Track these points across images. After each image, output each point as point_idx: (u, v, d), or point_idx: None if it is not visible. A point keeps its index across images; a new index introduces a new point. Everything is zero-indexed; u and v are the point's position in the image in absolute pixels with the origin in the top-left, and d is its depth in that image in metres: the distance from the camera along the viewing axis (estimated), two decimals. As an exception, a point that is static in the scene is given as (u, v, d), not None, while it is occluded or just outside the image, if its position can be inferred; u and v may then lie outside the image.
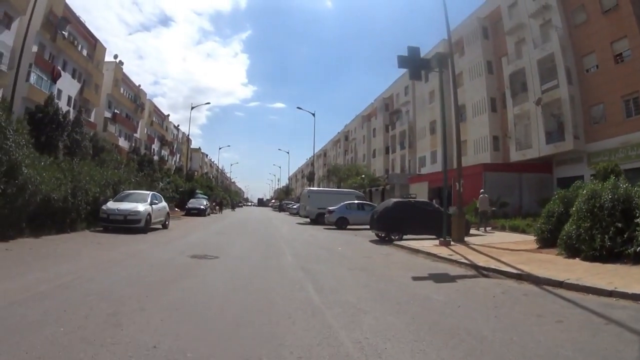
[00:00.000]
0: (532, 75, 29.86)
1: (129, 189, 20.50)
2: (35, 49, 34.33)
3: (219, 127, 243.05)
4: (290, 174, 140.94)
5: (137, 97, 61.72)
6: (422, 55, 16.49)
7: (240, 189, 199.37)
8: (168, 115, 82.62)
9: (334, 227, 25.38)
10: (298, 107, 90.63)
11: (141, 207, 16.87)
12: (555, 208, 12.35)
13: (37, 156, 14.65)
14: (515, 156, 31.53)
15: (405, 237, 16.58)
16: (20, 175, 11.76)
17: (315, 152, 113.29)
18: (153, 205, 17.96)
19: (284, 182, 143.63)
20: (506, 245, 13.68)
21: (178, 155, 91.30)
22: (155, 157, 68.54)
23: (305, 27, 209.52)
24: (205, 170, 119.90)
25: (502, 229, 21.28)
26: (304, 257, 10.95)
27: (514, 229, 20.37)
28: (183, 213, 37.00)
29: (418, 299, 6.28)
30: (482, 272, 9.15)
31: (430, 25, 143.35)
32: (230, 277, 7.88)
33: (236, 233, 19.71)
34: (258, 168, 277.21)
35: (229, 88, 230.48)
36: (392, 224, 16.63)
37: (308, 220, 32.17)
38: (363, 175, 54.03)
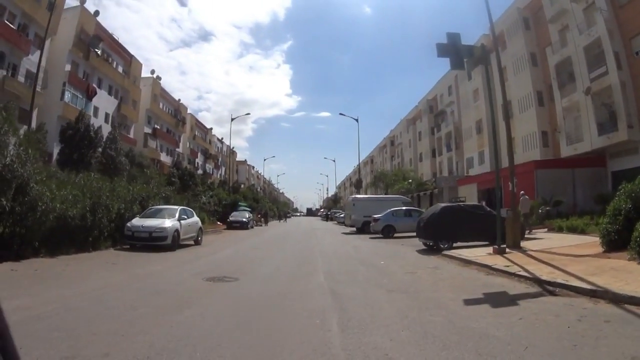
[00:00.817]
0: (579, 63, 27.93)
1: (159, 204, 19.85)
2: (68, 67, 35.09)
3: (265, 139, 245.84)
4: (338, 182, 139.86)
5: (177, 111, 62.33)
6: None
7: (289, 199, 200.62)
8: (211, 128, 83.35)
9: (381, 235, 23.98)
10: (340, 114, 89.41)
11: (168, 223, 15.93)
12: (622, 205, 10.29)
13: (53, 172, 13.91)
14: (566, 151, 29.67)
15: (455, 244, 14.88)
16: (29, 193, 11.05)
17: (362, 159, 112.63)
18: (182, 221, 16.93)
19: (333, 190, 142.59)
20: (568, 250, 11.92)
21: (223, 169, 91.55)
22: (200, 171, 69.07)
23: (345, 35, 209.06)
24: (252, 182, 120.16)
25: (559, 230, 19.06)
26: (338, 277, 9.42)
27: (572, 230, 18.22)
28: (225, 227, 36.22)
29: (472, 337, 4.61)
30: (548, 288, 7.45)
31: (469, 21, 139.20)
32: (240, 307, 6.50)
33: (272, 247, 18.55)
34: (306, 178, 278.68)
35: (273, 99, 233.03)
36: (440, 232, 14.95)
37: (354, 229, 30.85)
38: (410, 180, 52.03)
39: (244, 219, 36.95)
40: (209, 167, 78.74)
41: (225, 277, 9.24)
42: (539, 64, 33.67)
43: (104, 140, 29.86)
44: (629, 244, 9.07)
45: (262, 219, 48.12)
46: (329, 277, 9.35)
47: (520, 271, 8.98)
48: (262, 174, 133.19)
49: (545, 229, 20.01)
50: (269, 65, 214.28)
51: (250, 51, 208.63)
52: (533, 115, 33.45)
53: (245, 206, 49.15)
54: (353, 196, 38.35)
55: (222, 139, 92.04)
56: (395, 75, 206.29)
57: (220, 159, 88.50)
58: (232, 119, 54.34)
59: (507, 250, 12.37)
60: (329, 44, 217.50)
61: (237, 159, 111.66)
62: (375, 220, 24.81)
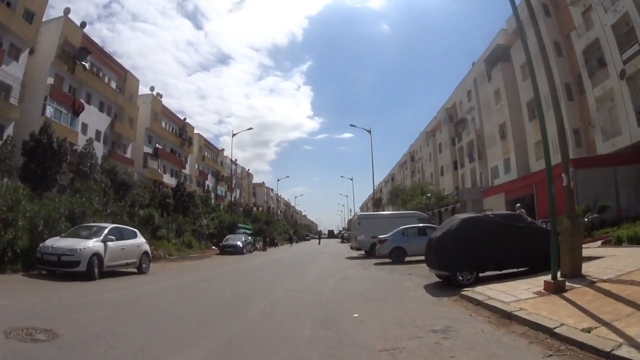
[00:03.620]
0: (608, 45, 24.32)
1: (104, 222, 16.69)
2: (50, 80, 32.29)
3: (288, 162, 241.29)
4: (360, 202, 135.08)
5: (182, 130, 58.96)
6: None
7: (312, 221, 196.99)
8: (222, 150, 79.65)
9: (389, 260, 19.41)
10: (351, 125, 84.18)
11: (83, 244, 12.50)
12: None
13: None
14: (602, 148, 25.53)
15: (482, 274, 10.03)
16: None
17: (384, 177, 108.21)
18: (110, 243, 13.45)
19: (356, 211, 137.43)
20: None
21: (238, 191, 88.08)
22: (212, 194, 65.77)
23: (364, 54, 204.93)
24: (271, 205, 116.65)
25: (618, 242, 13.71)
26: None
27: (636, 241, 13.08)
28: (218, 252, 32.11)
29: None
30: None
31: (485, 19, 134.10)
32: None
33: (230, 280, 14.23)
34: (330, 200, 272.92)
35: (295, 122, 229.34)
36: (459, 258, 9.79)
37: (363, 252, 26.25)
38: (429, 194, 46.95)
39: (239, 243, 32.55)
40: (221, 189, 74.76)
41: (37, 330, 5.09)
42: (564, 53, 29.76)
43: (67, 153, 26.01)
44: None
45: (260, 243, 43.10)
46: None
47: (620, 345, 4.26)
48: (280, 195, 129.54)
49: (598, 243, 15.04)
50: (289, 87, 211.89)
51: (270, 73, 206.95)
52: (562, 111, 28.48)
53: (247, 228, 45.07)
54: (359, 213, 33.63)
55: (235, 160, 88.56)
56: (416, 91, 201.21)
57: (234, 181, 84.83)
58: (233, 135, 50.90)
59: (567, 283, 7.60)
60: (348, 64, 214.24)
61: (253, 182, 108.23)
62: (381, 241, 20.14)
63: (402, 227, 20.59)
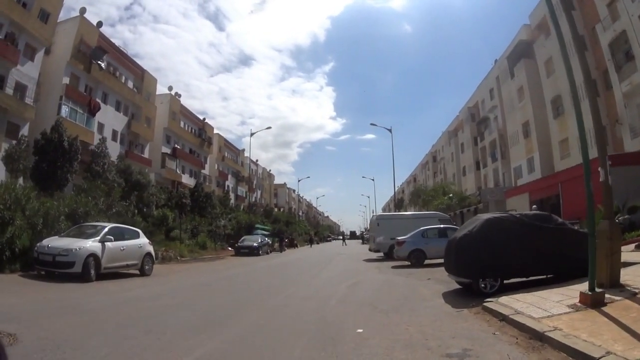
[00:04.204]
0: (636, 36, 23.11)
1: (108, 222, 15.89)
2: (66, 80, 32.16)
3: (311, 163, 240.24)
4: (382, 203, 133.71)
5: (202, 131, 58.61)
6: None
7: (335, 222, 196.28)
8: (242, 150, 79.19)
9: (408, 263, 18.43)
10: (372, 124, 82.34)
11: (79, 244, 12.07)
12: None
13: None
14: (630, 146, 24.21)
15: (507, 281, 8.93)
16: None
17: (406, 178, 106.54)
18: (108, 243, 12.96)
19: (378, 212, 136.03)
20: None
21: (259, 192, 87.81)
22: (232, 194, 65.68)
23: (387, 54, 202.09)
24: (293, 206, 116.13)
25: None
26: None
27: None
28: (233, 253, 31.52)
29: None
30: None
31: (507, 22, 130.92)
32: None
33: (236, 285, 13.39)
34: (352, 200, 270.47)
35: (318, 123, 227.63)
36: (482, 263, 8.71)
37: (381, 254, 25.17)
38: (451, 195, 45.51)
39: (254, 244, 31.88)
40: (242, 190, 74.41)
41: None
42: (589, 48, 28.03)
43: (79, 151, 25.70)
44: None
45: (278, 244, 42.13)
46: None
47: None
48: (302, 196, 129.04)
49: (631, 246, 13.78)
50: (311, 88, 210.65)
51: (292, 74, 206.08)
52: (588, 107, 27.08)
53: (265, 229, 44.39)
54: (377, 214, 32.51)
55: (256, 160, 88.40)
56: (439, 91, 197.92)
57: (255, 182, 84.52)
58: (252, 134, 50.51)
59: (607, 296, 6.53)
60: (371, 65, 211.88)
61: (275, 182, 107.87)
62: (400, 243, 19.10)
63: (421, 228, 19.58)
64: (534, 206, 19.84)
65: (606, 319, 5.57)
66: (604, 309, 6.08)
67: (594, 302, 6.28)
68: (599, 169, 7.54)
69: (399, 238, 19.50)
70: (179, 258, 22.89)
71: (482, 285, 8.67)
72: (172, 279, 14.63)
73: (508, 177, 41.91)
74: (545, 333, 5.14)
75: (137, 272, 14.67)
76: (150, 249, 15.65)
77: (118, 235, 13.76)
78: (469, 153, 54.28)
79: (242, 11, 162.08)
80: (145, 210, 29.68)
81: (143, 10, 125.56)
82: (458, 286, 9.97)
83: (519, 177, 38.31)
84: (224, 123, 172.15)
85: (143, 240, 15.32)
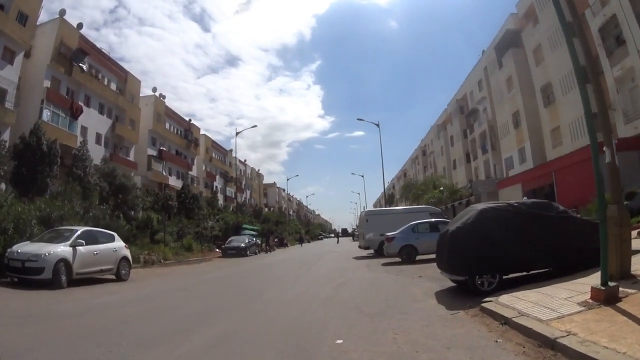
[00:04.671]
0: (626, 20, 22.46)
1: (85, 226, 15.27)
2: (47, 83, 31.27)
3: (300, 162, 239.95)
4: (373, 199, 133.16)
5: (188, 132, 57.58)
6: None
7: (326, 221, 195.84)
8: (230, 150, 77.82)
9: (399, 259, 17.64)
10: (359, 119, 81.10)
11: (49, 249, 11.47)
12: None
13: None
14: (624, 131, 23.69)
15: (506, 276, 8.17)
16: None
17: (396, 174, 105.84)
18: (80, 247, 12.33)
19: (370, 208, 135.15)
20: None
21: (249, 192, 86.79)
22: (220, 195, 65.08)
23: (373, 51, 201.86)
24: (283, 205, 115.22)
25: None
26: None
27: None
28: (220, 254, 30.73)
29: None
30: None
31: (494, 13, 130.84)
32: None
33: (209, 291, 12.26)
34: (343, 198, 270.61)
35: (306, 121, 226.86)
36: (478, 258, 7.87)
37: (372, 251, 24.44)
38: (442, 188, 44.82)
39: (242, 245, 31.04)
40: (230, 190, 73.31)
41: None
42: (577, 35, 27.01)
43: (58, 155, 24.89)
44: None
45: (264, 244, 40.71)
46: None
47: None
48: (293, 195, 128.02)
49: (634, 233, 13.03)
50: (299, 87, 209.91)
51: (280, 74, 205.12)
52: (578, 95, 26.70)
53: (252, 229, 43.51)
54: (366, 210, 31.77)
55: (245, 160, 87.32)
56: (427, 86, 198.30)
57: (244, 182, 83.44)
58: (237, 133, 49.67)
59: (622, 289, 5.77)
60: (358, 62, 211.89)
61: (264, 182, 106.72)
62: (389, 239, 18.33)
63: (411, 223, 18.82)
64: (525, 197, 19.18)
65: (625, 318, 4.81)
66: (620, 305, 5.33)
67: (607, 297, 5.52)
68: (604, 148, 6.79)
69: (388, 234, 18.75)
70: (162, 261, 22.04)
71: (479, 283, 7.88)
72: (148, 284, 13.88)
73: (499, 168, 41.38)
74: (558, 339, 4.32)
75: (113, 277, 14.04)
76: (127, 252, 14.99)
77: (91, 239, 13.13)
78: (459, 146, 53.64)
79: (228, 12, 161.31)
80: (132, 213, 29.14)
81: (128, 13, 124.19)
82: (452, 284, 9.18)
83: (511, 168, 37.78)
84: (212, 124, 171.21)
85: (118, 243, 14.65)
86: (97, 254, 13.04)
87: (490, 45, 40.93)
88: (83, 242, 12.47)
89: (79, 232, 12.84)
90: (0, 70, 26.87)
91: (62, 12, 33.52)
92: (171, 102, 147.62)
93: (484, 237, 7.98)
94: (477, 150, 47.60)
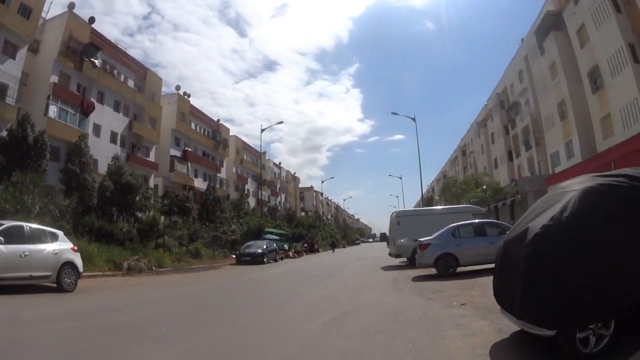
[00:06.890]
0: None
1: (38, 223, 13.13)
2: (54, 79, 30.01)
3: (341, 167, 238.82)
4: (414, 203, 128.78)
5: (216, 132, 56.01)
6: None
7: (365, 225, 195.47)
8: (264, 152, 75.47)
9: (434, 271, 13.99)
10: (393, 113, 75.71)
11: None
12: None
13: None
14: None
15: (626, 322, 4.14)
16: None
17: (435, 176, 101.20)
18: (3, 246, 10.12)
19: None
20: None
21: (283, 195, 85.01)
22: (251, 198, 64.87)
23: (410, 53, 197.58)
24: (321, 209, 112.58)
25: None
26: None
27: None
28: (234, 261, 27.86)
29: None
30: None
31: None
32: None
33: (160, 312, 8.90)
34: (383, 203, 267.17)
35: (346, 125, 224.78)
36: (584, 290, 3.89)
37: (405, 260, 20.63)
38: (484, 187, 40.39)
39: (259, 251, 27.85)
40: (265, 194, 71.01)
41: None
42: (622, 10, 24.53)
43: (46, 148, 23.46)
44: None
45: (289, 251, 38.27)
46: None
47: None
48: (331, 199, 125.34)
49: None
50: (338, 91, 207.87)
51: (318, 77, 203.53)
52: (630, 76, 23.71)
53: (277, 233, 40.28)
54: (397, 210, 27.62)
55: (279, 163, 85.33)
56: (466, 86, 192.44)
57: (278, 185, 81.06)
58: (262, 130, 48.19)
59: None
60: (395, 64, 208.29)
61: (302, 186, 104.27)
62: (423, 246, 14.43)
63: (451, 226, 14.91)
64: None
65: None
66: None
67: None
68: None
69: (421, 240, 14.87)
70: (153, 269, 19.02)
71: (581, 338, 4.00)
72: (91, 299, 10.90)
73: (544, 165, 37.76)
74: None
75: (54, 285, 11.52)
76: (73, 256, 12.17)
77: (17, 237, 10.76)
78: (500, 143, 50.26)
79: (263, 16, 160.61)
80: (139, 215, 27.46)
81: (162, 19, 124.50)
82: (519, 328, 5.24)
83: (557, 164, 34.11)
84: (251, 129, 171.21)
85: (62, 245, 12.06)
86: (26, 255, 10.59)
87: (530, 31, 37.10)
88: (2, 239, 10.08)
89: (5, 227, 10.53)
90: (0, 65, 25.84)
91: (72, 6, 32.33)
92: (209, 108, 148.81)
93: (593, 245, 4.08)
94: (520, 146, 44.12)
